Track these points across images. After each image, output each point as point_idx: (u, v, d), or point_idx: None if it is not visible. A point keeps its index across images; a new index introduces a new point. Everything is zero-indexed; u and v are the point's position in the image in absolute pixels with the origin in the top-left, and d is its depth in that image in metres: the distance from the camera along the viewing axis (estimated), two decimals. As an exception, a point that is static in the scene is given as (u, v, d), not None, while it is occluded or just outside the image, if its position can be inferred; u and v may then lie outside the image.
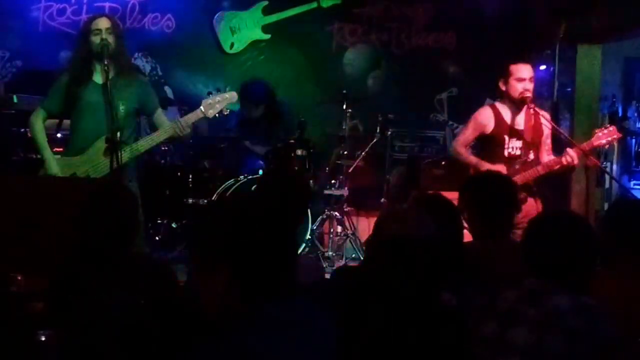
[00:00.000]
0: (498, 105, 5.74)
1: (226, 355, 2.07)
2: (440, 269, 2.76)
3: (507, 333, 2.67)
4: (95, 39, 5.18)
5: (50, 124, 5.65)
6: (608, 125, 5.84)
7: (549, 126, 5.74)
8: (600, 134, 5.63)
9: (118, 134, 4.98)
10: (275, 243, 2.17)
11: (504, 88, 5.67)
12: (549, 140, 5.78)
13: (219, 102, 5.45)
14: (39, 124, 5.28)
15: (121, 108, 5.17)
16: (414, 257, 2.72)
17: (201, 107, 5.41)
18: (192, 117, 5.41)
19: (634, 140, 9.74)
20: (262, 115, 7.67)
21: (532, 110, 5.63)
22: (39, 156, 5.42)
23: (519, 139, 5.65)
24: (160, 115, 5.48)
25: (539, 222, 3.00)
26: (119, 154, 4.95)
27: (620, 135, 5.86)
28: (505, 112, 5.69)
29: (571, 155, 5.50)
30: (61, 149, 5.69)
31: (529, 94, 5.58)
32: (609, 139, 5.64)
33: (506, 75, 5.65)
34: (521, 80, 5.60)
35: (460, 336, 2.69)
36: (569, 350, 2.54)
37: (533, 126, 5.67)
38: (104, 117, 5.13)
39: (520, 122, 5.68)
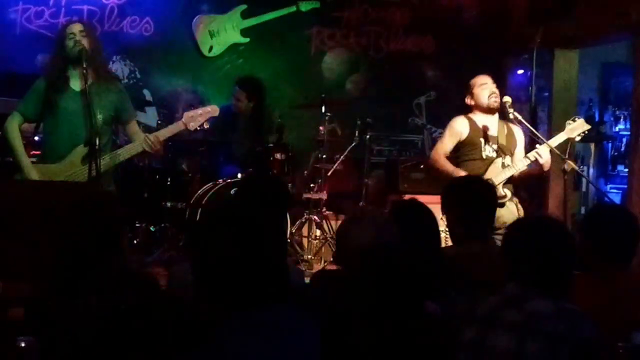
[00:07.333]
0: (471, 115, 5.89)
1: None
2: (416, 275, 2.76)
3: (487, 338, 2.67)
4: (70, 43, 5.16)
5: (28, 126, 5.59)
6: (575, 118, 5.90)
7: (523, 138, 5.89)
8: (570, 127, 5.75)
9: (97, 140, 4.93)
10: (261, 249, 2.18)
11: (471, 102, 5.84)
12: (522, 150, 5.89)
13: (200, 114, 5.47)
14: (15, 130, 5.19)
15: (99, 116, 5.11)
16: (382, 264, 2.73)
17: (183, 120, 5.43)
18: (168, 131, 5.41)
19: (610, 145, 9.82)
20: (250, 111, 7.59)
21: (511, 115, 5.74)
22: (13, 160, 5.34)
23: (494, 143, 5.76)
24: (133, 126, 5.44)
25: (517, 227, 3.02)
26: (98, 162, 4.91)
27: (589, 126, 5.91)
28: (479, 120, 5.83)
29: (540, 153, 5.58)
30: (39, 152, 5.64)
31: (496, 98, 5.73)
32: (580, 131, 5.73)
33: (469, 89, 5.85)
34: (484, 85, 5.77)
35: (445, 347, 2.69)
36: (549, 355, 2.55)
37: (507, 135, 5.82)
38: (81, 124, 5.09)
39: (494, 129, 5.82)
